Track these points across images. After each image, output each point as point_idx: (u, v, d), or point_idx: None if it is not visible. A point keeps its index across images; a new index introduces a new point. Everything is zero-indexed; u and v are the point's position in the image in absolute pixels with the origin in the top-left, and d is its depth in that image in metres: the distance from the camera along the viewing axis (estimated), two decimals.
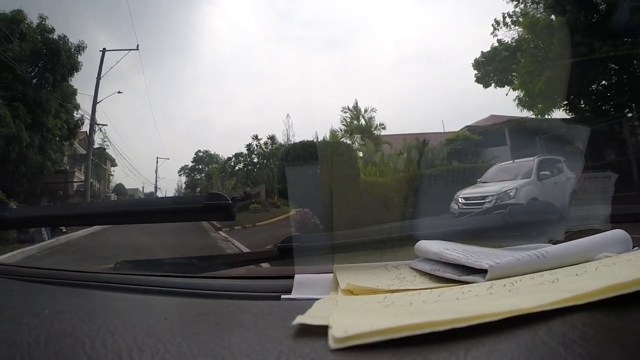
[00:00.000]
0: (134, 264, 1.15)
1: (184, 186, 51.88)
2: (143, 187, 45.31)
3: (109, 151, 26.48)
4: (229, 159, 28.26)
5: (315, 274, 0.79)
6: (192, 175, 49.55)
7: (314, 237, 0.91)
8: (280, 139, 26.33)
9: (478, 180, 10.34)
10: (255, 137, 26.54)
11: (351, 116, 20.83)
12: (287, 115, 28.59)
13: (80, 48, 15.80)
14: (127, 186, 35.46)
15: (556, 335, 0.36)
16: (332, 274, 0.75)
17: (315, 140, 17.60)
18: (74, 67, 15.72)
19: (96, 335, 0.46)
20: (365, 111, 20.66)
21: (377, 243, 0.89)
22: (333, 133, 19.74)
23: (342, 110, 21.06)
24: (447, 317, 0.39)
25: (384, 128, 20.55)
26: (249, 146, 26.68)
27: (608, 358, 0.33)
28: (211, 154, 45.35)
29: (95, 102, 19.83)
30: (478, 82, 16.46)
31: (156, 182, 46.44)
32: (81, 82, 17.54)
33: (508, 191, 8.66)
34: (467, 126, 18.13)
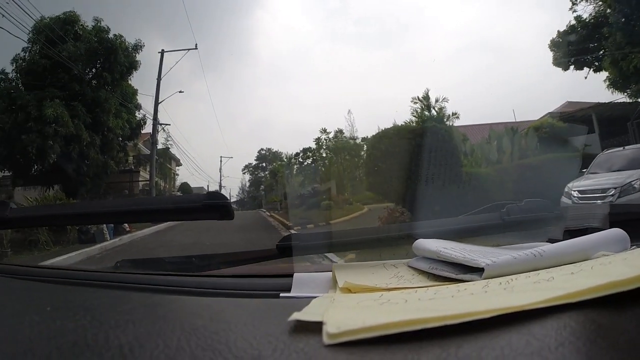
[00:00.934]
0: (134, 263, 1.16)
1: (247, 184, 52.22)
2: (208, 186, 45.67)
3: (173, 150, 26.80)
4: (297, 154, 27.61)
5: (314, 272, 0.80)
6: (256, 173, 49.86)
7: (313, 236, 0.91)
8: (333, 134, 25.44)
9: (583, 170, 9.44)
10: (324, 131, 25.61)
11: (421, 107, 19.83)
12: (349, 111, 28.11)
13: (137, 47, 15.82)
14: (192, 185, 35.62)
15: (548, 332, 0.37)
16: (330, 273, 0.75)
17: (412, 123, 16.77)
18: (132, 65, 15.72)
19: (98, 332, 0.47)
20: (436, 101, 19.70)
21: (376, 242, 0.90)
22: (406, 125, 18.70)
23: (412, 101, 20.04)
24: (439, 314, 0.39)
25: (457, 118, 19.42)
26: (317, 140, 25.82)
27: (600, 356, 0.34)
28: (274, 151, 45.53)
29: (157, 102, 20.21)
30: (556, 65, 15.55)
31: (220, 180, 46.92)
32: (142, 85, 17.69)
33: (632, 182, 7.57)
34: (549, 113, 17.07)
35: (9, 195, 13.67)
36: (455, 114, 19.27)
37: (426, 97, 19.69)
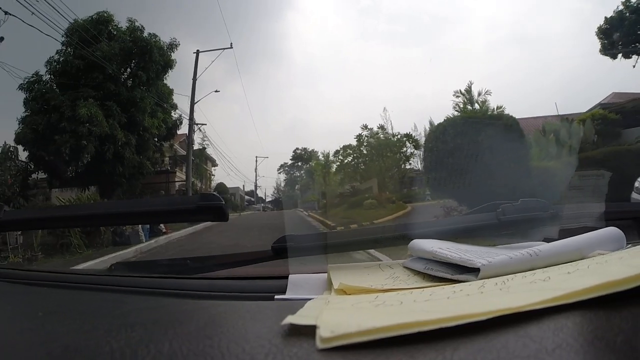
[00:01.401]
0: (128, 266, 1.15)
1: (282, 183, 52.43)
2: (244, 186, 46.49)
3: (209, 151, 27.02)
4: (337, 152, 26.69)
5: (309, 274, 0.79)
6: (291, 172, 50.02)
7: (308, 237, 0.91)
8: (375, 130, 24.40)
9: None
10: (365, 127, 24.52)
11: (464, 100, 18.86)
12: (384, 109, 27.90)
13: (172, 45, 15.82)
14: (228, 185, 35.74)
15: (545, 334, 0.36)
16: (326, 274, 0.75)
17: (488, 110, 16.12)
18: (168, 64, 15.67)
19: (89, 337, 0.46)
20: (479, 94, 18.68)
21: (372, 242, 0.89)
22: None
23: (454, 95, 19.09)
24: (435, 317, 0.39)
25: (502, 112, 17.49)
26: (358, 137, 24.65)
27: (597, 358, 0.33)
28: (310, 150, 45.62)
29: (192, 102, 20.54)
30: (604, 54, 14.87)
31: (256, 180, 47.60)
32: (177, 86, 18.13)
33: None
34: (600, 104, 16.49)
35: (46, 197, 13.69)
36: (500, 107, 17.99)
37: (468, 91, 18.94)
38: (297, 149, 48.81)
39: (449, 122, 11.56)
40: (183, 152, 23.06)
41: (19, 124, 13.24)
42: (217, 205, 0.88)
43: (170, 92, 16.77)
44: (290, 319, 0.43)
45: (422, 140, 20.50)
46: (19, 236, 8.43)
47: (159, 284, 0.86)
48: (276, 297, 0.71)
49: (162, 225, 12.06)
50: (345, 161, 25.52)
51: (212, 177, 32.53)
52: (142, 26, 15.18)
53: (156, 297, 0.78)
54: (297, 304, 0.53)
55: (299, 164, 48.49)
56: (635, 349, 0.34)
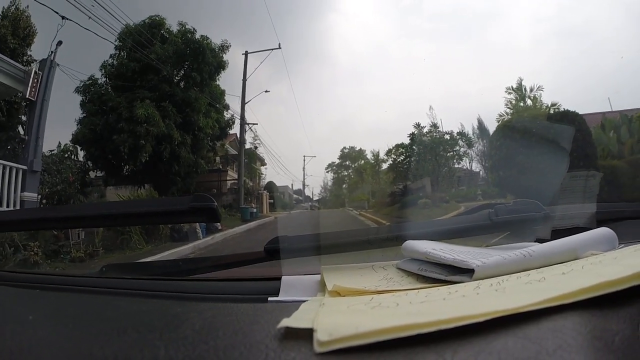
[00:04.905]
0: (120, 267, 1.14)
1: (330, 182, 52.52)
2: (292, 184, 46.73)
3: (260, 149, 27.51)
4: (389, 151, 26.51)
5: (302, 275, 0.79)
6: (339, 171, 49.96)
7: (301, 239, 0.90)
8: (428, 128, 24.05)
9: None
10: (418, 126, 24.15)
11: (516, 97, 18.93)
12: (430, 107, 27.68)
13: (224, 47, 16.15)
14: (277, 184, 35.94)
15: (545, 335, 0.36)
16: (319, 275, 0.75)
17: (508, 115, 16.09)
18: (220, 65, 16.02)
19: (81, 342, 0.45)
20: (531, 90, 18.75)
21: (365, 243, 0.89)
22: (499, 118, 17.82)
23: (506, 92, 19.21)
24: (434, 319, 0.38)
25: (557, 108, 16.90)
26: (412, 135, 24.25)
27: (597, 357, 0.33)
28: (357, 149, 45.58)
29: (243, 102, 21.11)
30: None
31: (304, 179, 47.85)
32: (226, 86, 18.15)
33: None
34: None
35: (100, 194, 14.17)
36: (555, 104, 17.71)
37: (520, 87, 18.85)
38: (345, 147, 48.88)
39: (517, 119, 11.84)
40: (233, 152, 23.57)
41: (77, 125, 13.68)
42: (209, 206, 0.87)
43: (222, 92, 17.21)
44: (286, 322, 0.43)
45: (472, 138, 21.02)
46: (80, 232, 8.63)
47: (152, 286, 0.86)
48: (270, 299, 0.71)
49: (218, 223, 12.30)
50: (398, 160, 25.44)
51: (262, 175, 32.77)
52: (193, 29, 15.63)
53: (149, 300, 0.77)
54: (291, 306, 0.52)
55: (347, 162, 48.62)
56: (633, 349, 0.34)
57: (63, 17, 10.56)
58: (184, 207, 0.88)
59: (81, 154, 13.93)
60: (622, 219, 1.01)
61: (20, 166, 8.89)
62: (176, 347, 0.41)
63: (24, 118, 11.21)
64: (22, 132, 10.58)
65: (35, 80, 9.38)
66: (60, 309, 0.70)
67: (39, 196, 9.66)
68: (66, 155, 13.04)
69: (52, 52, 10.33)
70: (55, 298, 0.81)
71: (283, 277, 0.77)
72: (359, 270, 0.78)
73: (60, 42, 10.54)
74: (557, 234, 0.82)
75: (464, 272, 0.62)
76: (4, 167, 8.49)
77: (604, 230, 0.71)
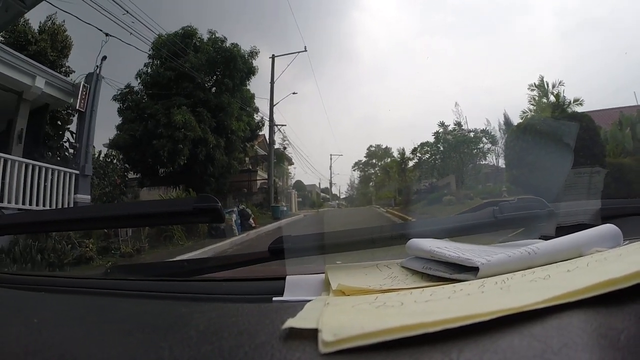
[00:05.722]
0: (125, 269, 1.15)
1: (356, 180, 52.88)
2: (319, 183, 47.40)
3: (288, 149, 28.59)
4: (414, 149, 26.77)
5: (306, 274, 0.79)
6: (365, 169, 50.32)
7: (305, 238, 0.90)
8: (452, 126, 24.50)
9: None
10: (442, 124, 24.80)
11: (539, 94, 18.67)
12: (456, 103, 27.83)
13: (253, 53, 17.20)
14: (305, 182, 36.40)
15: (550, 333, 0.36)
16: (323, 275, 0.75)
17: (531, 112, 16.32)
18: (251, 71, 17.06)
19: (87, 344, 0.45)
20: (553, 86, 18.28)
21: (369, 242, 0.89)
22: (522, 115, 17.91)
23: (529, 88, 18.98)
24: (439, 318, 0.38)
25: (580, 104, 17.45)
26: (436, 134, 24.84)
27: (604, 356, 0.33)
28: (383, 147, 45.95)
29: (271, 104, 22.26)
30: None
31: (331, 177, 48.56)
32: (254, 89, 19.03)
33: None
34: None
35: (135, 195, 14.95)
36: (578, 100, 17.77)
37: (542, 84, 18.74)
38: (371, 146, 49.54)
39: (528, 122, 12.30)
40: (262, 152, 24.74)
41: (117, 131, 14.78)
42: (213, 207, 0.87)
43: (252, 96, 18.25)
44: (291, 323, 0.43)
45: (497, 134, 21.14)
46: (127, 230, 9.22)
47: (156, 287, 0.86)
48: (274, 299, 0.71)
49: (251, 220, 13.85)
50: (423, 158, 25.67)
51: (290, 175, 33.72)
52: (224, 37, 16.64)
53: (154, 301, 0.77)
54: (296, 306, 0.52)
55: (373, 161, 48.91)
56: (639, 346, 0.34)
57: (107, 34, 11.65)
58: (189, 208, 0.88)
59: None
60: (626, 216, 1.01)
61: (73, 171, 9.76)
62: (181, 348, 0.41)
63: (69, 127, 12.31)
64: (71, 139, 11.51)
65: (84, 92, 10.34)
66: (66, 311, 0.70)
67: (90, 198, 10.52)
68: (108, 160, 13.89)
69: (97, 66, 11.21)
70: (60, 300, 0.81)
71: (287, 276, 0.77)
72: (363, 269, 0.78)
73: (104, 57, 11.41)
74: (562, 230, 0.82)
75: (469, 270, 0.61)
76: (59, 172, 9.36)
77: (608, 227, 0.71)
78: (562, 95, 17.98)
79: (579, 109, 16.95)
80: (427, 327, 0.37)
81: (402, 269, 0.76)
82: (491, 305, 0.41)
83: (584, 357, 0.33)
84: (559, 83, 18.20)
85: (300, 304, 0.55)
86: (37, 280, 1.02)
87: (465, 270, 0.62)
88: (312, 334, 0.40)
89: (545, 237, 0.78)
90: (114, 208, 1.07)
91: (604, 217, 0.87)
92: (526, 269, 0.59)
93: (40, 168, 8.83)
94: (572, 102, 17.69)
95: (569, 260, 0.60)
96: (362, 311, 0.49)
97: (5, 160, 8.10)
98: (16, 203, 8.18)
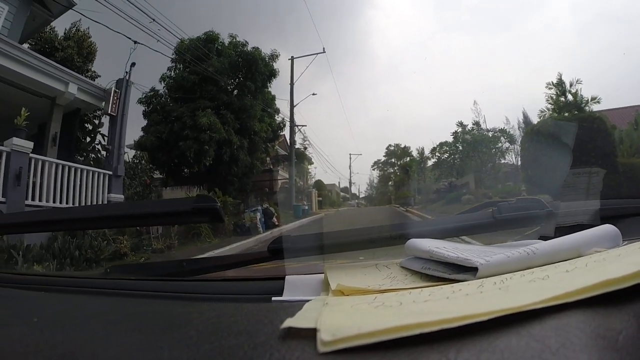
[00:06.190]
0: (124, 269, 1.14)
1: (376, 180, 53.09)
2: (339, 182, 47.59)
3: (309, 150, 28.96)
4: (433, 149, 27.11)
5: (306, 274, 0.79)
6: (385, 169, 50.48)
7: (305, 238, 0.90)
8: (470, 126, 24.90)
9: None
10: (460, 124, 25.24)
11: (556, 92, 18.58)
12: (474, 102, 27.86)
13: (274, 56, 17.39)
14: (325, 182, 36.64)
15: (548, 333, 0.36)
16: (322, 275, 0.75)
17: (549, 111, 16.48)
18: (272, 73, 17.26)
19: (87, 344, 0.45)
20: (571, 85, 18.32)
21: (368, 242, 0.89)
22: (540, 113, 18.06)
23: (546, 87, 18.93)
24: (437, 318, 0.38)
25: (598, 102, 17.60)
26: (455, 134, 25.36)
27: (601, 355, 0.33)
28: (402, 147, 46.11)
29: (292, 105, 23.06)
30: None
31: (350, 177, 48.90)
32: (276, 89, 19.80)
33: None
34: None
35: (158, 195, 15.33)
36: (595, 98, 17.76)
37: (560, 83, 18.66)
38: (390, 145, 49.59)
39: (541, 124, 12.54)
40: (283, 152, 24.68)
41: (143, 133, 15.05)
42: (212, 206, 0.87)
43: (272, 98, 18.50)
44: (290, 322, 0.43)
45: (517, 132, 21.24)
46: (159, 227, 9.58)
47: (156, 287, 0.86)
48: (273, 299, 0.71)
49: (274, 219, 14.54)
50: (442, 158, 25.95)
51: (310, 174, 34.08)
52: (245, 41, 16.92)
53: (153, 300, 0.77)
54: (295, 306, 0.52)
55: (393, 160, 49.07)
56: (637, 347, 0.34)
57: (135, 42, 12.18)
58: (188, 208, 0.88)
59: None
60: (625, 216, 1.01)
61: (106, 171, 10.40)
62: (180, 348, 0.41)
63: (100, 130, 13.06)
64: (102, 141, 12.17)
65: (115, 97, 11.03)
66: (65, 310, 0.70)
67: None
68: (136, 161, 14.51)
69: (126, 72, 11.85)
70: (60, 300, 0.81)
71: (287, 276, 0.77)
72: (362, 269, 0.78)
73: (133, 64, 12.04)
74: (561, 231, 0.82)
75: (468, 270, 0.62)
76: (93, 172, 10.00)
77: (607, 228, 0.71)
78: (579, 93, 18.09)
79: (596, 107, 17.18)
80: (425, 327, 0.38)
81: (401, 269, 0.76)
82: (490, 305, 0.41)
83: (582, 357, 0.33)
84: (577, 81, 18.26)
85: (299, 303, 0.55)
86: (37, 279, 1.02)
87: (464, 271, 0.62)
88: (310, 334, 0.40)
89: (544, 238, 0.78)
90: (114, 208, 1.07)
91: (603, 218, 0.87)
92: (525, 270, 0.59)
93: (76, 169, 9.41)
94: (589, 100, 17.70)
95: (568, 261, 0.60)
96: (360, 311, 0.49)
97: (43, 162, 8.62)
98: (53, 202, 8.69)
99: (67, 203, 8.95)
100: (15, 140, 7.90)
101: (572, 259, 0.61)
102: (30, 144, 8.21)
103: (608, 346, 0.34)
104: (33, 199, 8.34)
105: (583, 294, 0.42)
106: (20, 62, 8.67)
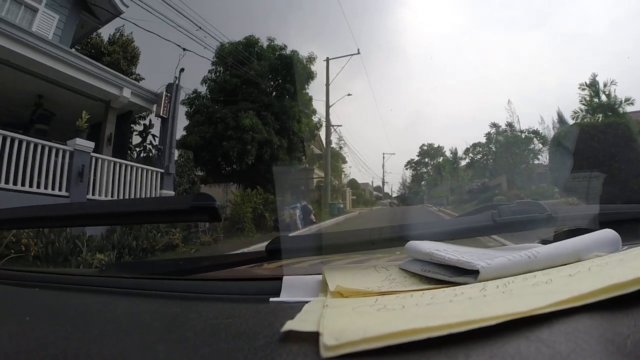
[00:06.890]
0: (120, 266, 1.14)
1: (409, 179, 53.51)
2: (372, 181, 48.36)
3: (344, 149, 29.91)
4: (466, 150, 27.35)
5: (304, 275, 0.78)
6: (418, 168, 50.76)
7: (303, 239, 0.90)
8: (503, 125, 25.09)
9: None
10: (494, 125, 25.72)
11: (590, 94, 18.26)
12: (509, 101, 28.03)
13: (311, 59, 18.34)
14: (358, 181, 37.06)
15: (558, 338, 0.36)
16: (320, 275, 0.74)
17: (582, 112, 16.59)
18: (310, 76, 18.24)
19: (80, 344, 0.45)
20: (605, 85, 18.02)
21: (367, 244, 0.89)
22: (574, 115, 17.74)
23: (579, 88, 18.60)
24: (444, 322, 0.38)
25: (631, 104, 17.05)
26: (488, 135, 25.92)
27: None
28: (436, 147, 46.55)
29: (327, 106, 23.27)
30: None
31: (383, 176, 49.57)
32: (312, 90, 19.96)
33: None
34: None
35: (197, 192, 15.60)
36: (629, 99, 17.36)
37: (593, 83, 18.39)
38: (424, 144, 50.21)
39: (569, 129, 12.94)
40: (318, 151, 26.23)
41: (186, 133, 16.06)
42: (210, 205, 0.87)
43: (310, 99, 19.36)
44: (291, 325, 0.42)
45: (551, 133, 21.27)
46: None
47: (152, 286, 0.85)
48: (271, 299, 0.70)
49: (312, 216, 15.74)
50: (475, 158, 26.62)
51: (345, 173, 34.59)
52: (283, 44, 17.82)
53: (149, 299, 0.77)
54: (293, 307, 0.52)
55: (426, 160, 49.42)
56: None
57: (184, 49, 13.11)
58: (186, 206, 0.87)
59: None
60: (625, 221, 1.00)
61: (158, 169, 11.22)
62: (178, 350, 0.41)
63: (150, 131, 13.63)
64: (154, 141, 12.79)
65: (166, 101, 11.87)
66: (59, 308, 0.69)
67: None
68: (182, 160, 14.90)
69: (176, 77, 12.64)
70: (54, 297, 0.80)
71: (284, 277, 0.76)
72: (360, 271, 0.77)
73: (182, 69, 12.85)
74: (561, 235, 0.81)
75: (468, 273, 0.61)
76: (147, 170, 10.79)
77: (607, 232, 0.71)
78: (613, 94, 17.95)
79: (629, 109, 16.88)
80: (432, 331, 0.37)
81: (400, 271, 0.75)
82: (495, 309, 0.40)
83: None
84: (611, 82, 18.10)
85: (298, 304, 0.54)
86: (31, 276, 1.01)
87: (464, 273, 0.62)
88: (311, 336, 0.40)
89: (545, 241, 0.77)
90: (111, 205, 1.06)
91: (603, 222, 0.87)
92: (527, 273, 0.58)
93: (131, 167, 10.26)
94: (623, 101, 17.51)
95: (569, 265, 0.60)
96: (362, 314, 0.48)
97: (102, 160, 9.47)
98: (110, 196, 9.43)
99: (123, 197, 9.59)
100: (79, 140, 8.74)
101: (572, 263, 0.61)
102: (91, 144, 9.03)
103: (617, 351, 0.34)
104: (93, 193, 9.14)
105: (590, 298, 0.41)
106: (81, 70, 9.47)
